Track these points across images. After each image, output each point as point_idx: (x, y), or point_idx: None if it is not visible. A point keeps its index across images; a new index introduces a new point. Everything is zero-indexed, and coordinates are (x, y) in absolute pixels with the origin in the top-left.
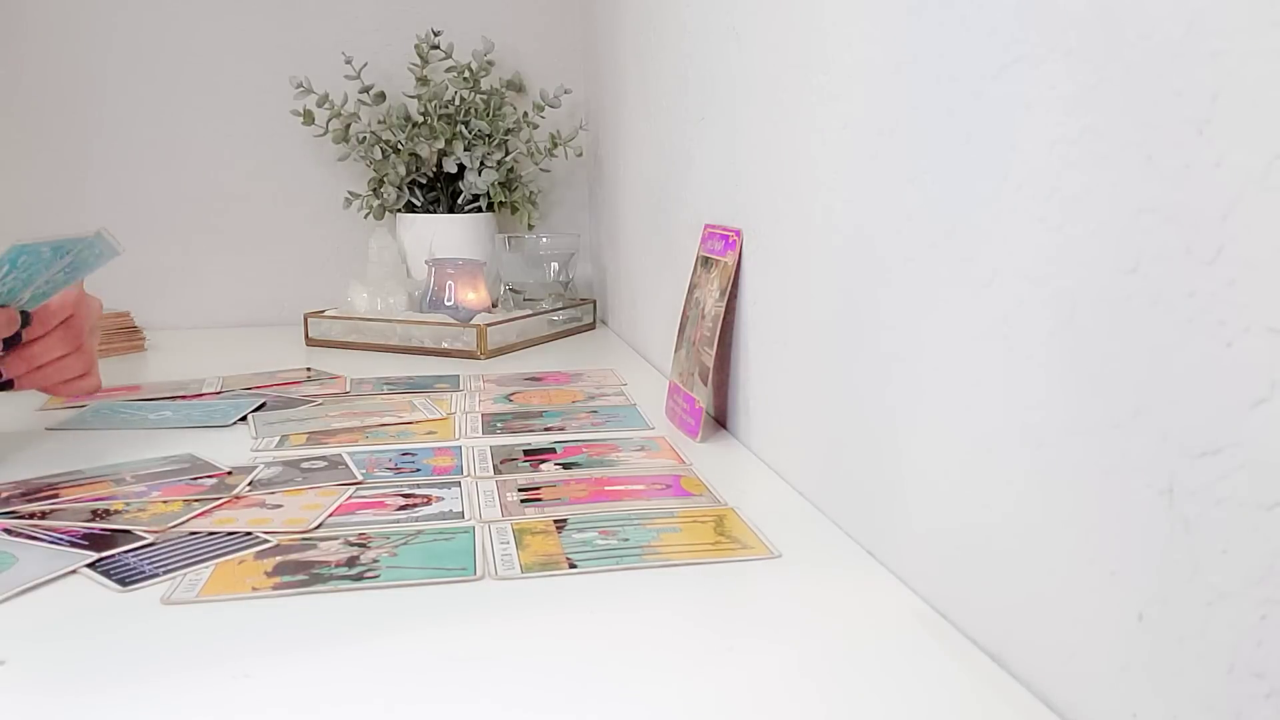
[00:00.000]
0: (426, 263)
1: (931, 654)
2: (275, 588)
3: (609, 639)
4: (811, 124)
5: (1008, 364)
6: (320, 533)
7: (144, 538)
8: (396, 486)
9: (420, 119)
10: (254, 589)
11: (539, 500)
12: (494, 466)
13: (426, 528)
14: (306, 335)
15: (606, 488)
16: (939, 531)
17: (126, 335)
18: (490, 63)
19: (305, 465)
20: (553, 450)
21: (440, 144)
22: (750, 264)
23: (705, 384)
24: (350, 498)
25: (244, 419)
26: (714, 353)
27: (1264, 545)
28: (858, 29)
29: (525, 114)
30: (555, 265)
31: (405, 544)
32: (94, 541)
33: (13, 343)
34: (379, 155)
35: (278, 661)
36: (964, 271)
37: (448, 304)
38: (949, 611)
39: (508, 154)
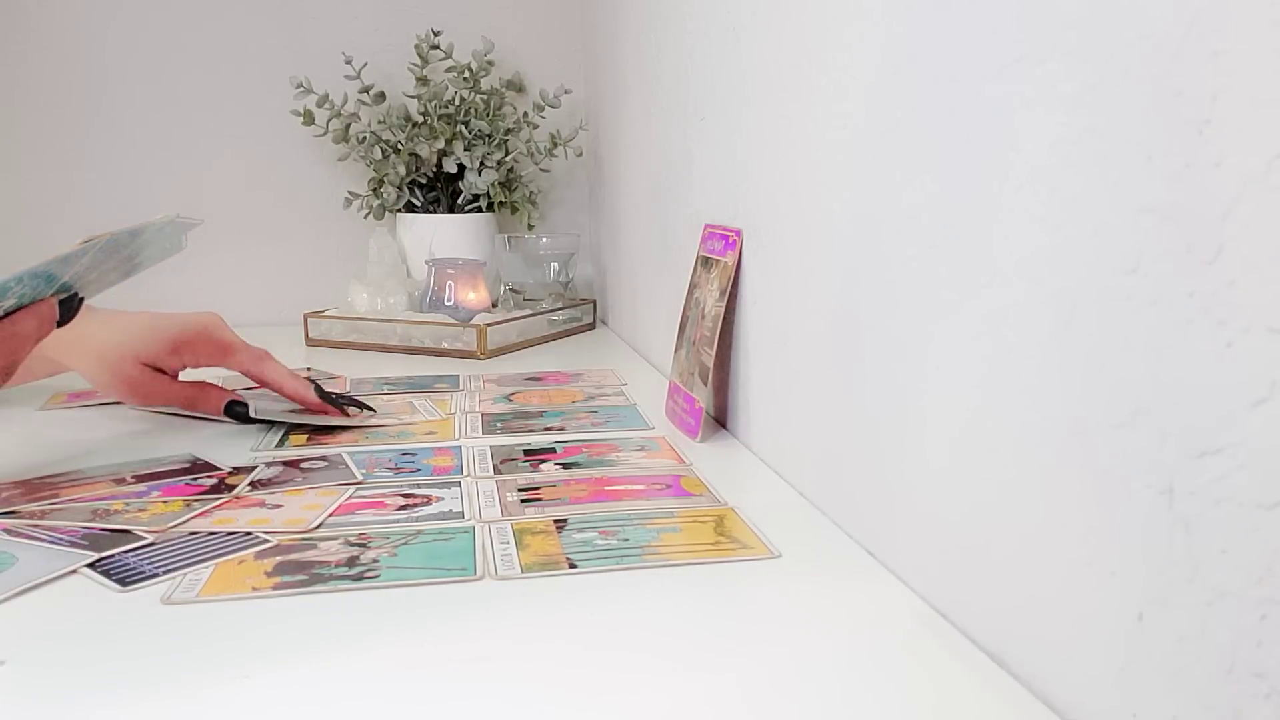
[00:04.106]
0: (426, 263)
1: (931, 654)
2: (275, 588)
3: (609, 639)
4: (811, 124)
5: (1008, 364)
6: (320, 533)
7: (144, 538)
8: (396, 486)
9: (420, 119)
10: (254, 589)
11: (539, 500)
12: (494, 466)
13: (426, 528)
14: (306, 335)
15: (606, 488)
16: (939, 531)
17: None
18: (490, 63)
19: (305, 465)
20: (553, 450)
21: (440, 144)
22: (750, 264)
23: (705, 384)
24: (350, 498)
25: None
26: (714, 353)
27: (1264, 545)
28: (858, 29)
29: (525, 114)
30: (555, 265)
31: (405, 544)
32: (94, 541)
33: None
34: (379, 155)
35: (278, 661)
36: (964, 271)
37: (448, 304)
38: (949, 611)
39: (508, 154)
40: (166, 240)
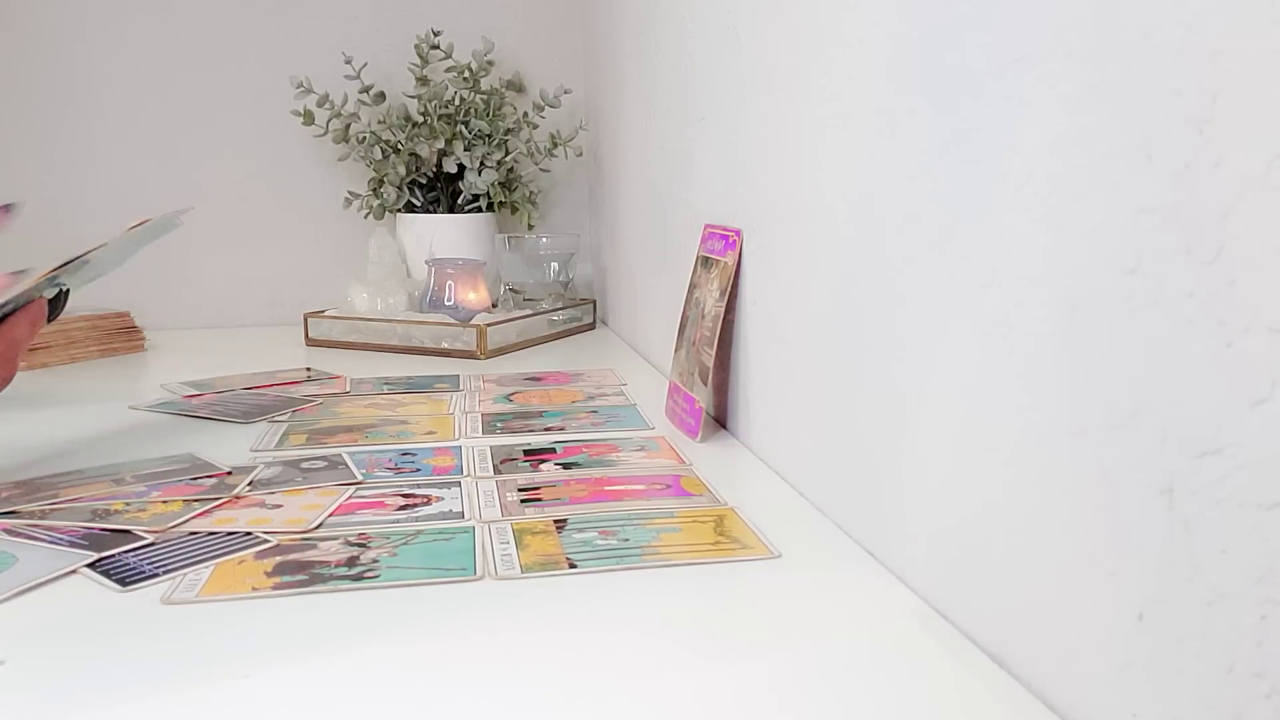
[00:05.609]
0: (426, 263)
1: (931, 654)
2: (275, 588)
3: (609, 639)
4: (811, 124)
5: (1008, 364)
6: (320, 533)
7: (144, 538)
8: (396, 486)
9: (420, 119)
10: (254, 589)
11: (539, 500)
12: (494, 466)
13: (426, 528)
14: (306, 335)
15: (606, 488)
16: (939, 531)
17: (126, 335)
18: (490, 63)
19: (305, 465)
20: (553, 450)
21: (440, 144)
22: (750, 264)
23: (705, 384)
24: (350, 498)
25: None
26: (714, 353)
27: (1264, 545)
28: (858, 29)
29: (525, 114)
30: (555, 265)
31: (405, 544)
32: (94, 541)
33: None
34: (379, 155)
35: (278, 661)
36: (964, 271)
37: (448, 304)
38: (949, 611)
39: (508, 154)
40: (157, 228)
